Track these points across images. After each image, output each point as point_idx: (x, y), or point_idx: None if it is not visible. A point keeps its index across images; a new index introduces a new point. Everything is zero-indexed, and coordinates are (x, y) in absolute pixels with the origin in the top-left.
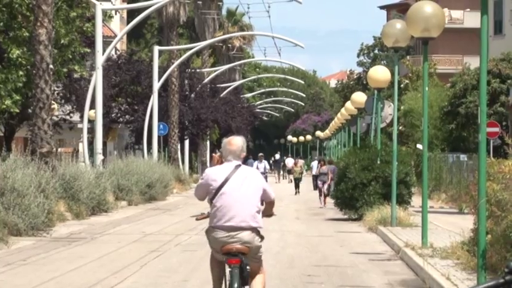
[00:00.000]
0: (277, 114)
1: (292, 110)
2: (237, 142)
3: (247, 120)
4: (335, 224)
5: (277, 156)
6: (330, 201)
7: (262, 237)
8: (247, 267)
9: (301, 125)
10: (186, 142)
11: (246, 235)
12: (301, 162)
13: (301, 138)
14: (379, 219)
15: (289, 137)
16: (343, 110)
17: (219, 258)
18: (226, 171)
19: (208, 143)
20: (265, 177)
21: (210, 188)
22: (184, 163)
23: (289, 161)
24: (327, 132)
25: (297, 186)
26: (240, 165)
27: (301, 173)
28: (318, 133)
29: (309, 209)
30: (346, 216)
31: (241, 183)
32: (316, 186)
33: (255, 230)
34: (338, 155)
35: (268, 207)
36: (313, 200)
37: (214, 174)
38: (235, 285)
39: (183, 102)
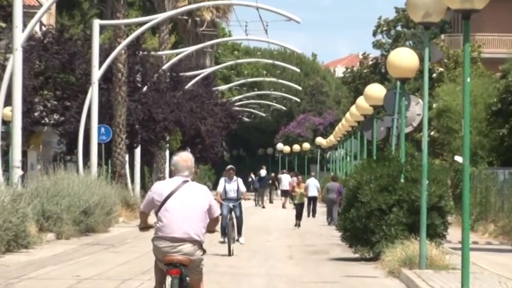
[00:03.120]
0: (263, 114)
1: (284, 108)
2: (190, 158)
3: (222, 122)
4: (342, 266)
5: (263, 172)
6: (335, 234)
7: (204, 251)
8: (187, 278)
9: (296, 130)
10: (137, 152)
11: (187, 247)
12: (309, 182)
13: (296, 147)
14: (403, 259)
15: (280, 146)
16: (353, 108)
17: (162, 267)
18: (173, 185)
19: (167, 153)
20: (240, 204)
21: (155, 200)
22: (135, 181)
23: (285, 179)
24: (332, 139)
25: (299, 216)
26: (187, 181)
27: (304, 196)
28: (319, 140)
29: (306, 245)
30: (357, 255)
31: (187, 198)
32: (312, 212)
33: (197, 243)
34: (347, 171)
35: (211, 223)
36: (312, 232)
37: (161, 187)
38: None
39: (133, 97)
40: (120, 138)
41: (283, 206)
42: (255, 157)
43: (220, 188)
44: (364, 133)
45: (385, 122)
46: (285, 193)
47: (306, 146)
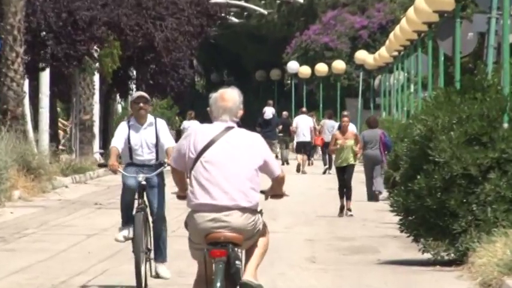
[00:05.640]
0: (264, 11)
1: (300, 0)
2: (232, 96)
3: (192, 26)
4: (402, 275)
5: (269, 111)
6: (389, 218)
7: (260, 212)
8: (237, 262)
9: (322, 38)
10: (45, 77)
11: (236, 218)
12: (352, 128)
13: (322, 67)
14: (506, 262)
15: (293, 65)
16: (421, 1)
17: (200, 248)
18: (213, 132)
19: (97, 78)
20: (161, 178)
21: (189, 152)
22: (40, 127)
23: (304, 123)
24: (383, 53)
25: (345, 187)
26: (232, 127)
27: (355, 155)
28: (362, 56)
29: (340, 239)
30: (428, 256)
31: (232, 150)
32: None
33: (248, 210)
34: (409, 109)
35: (275, 185)
36: (349, 215)
37: (197, 133)
38: (218, 284)
39: None
40: (14, 54)
41: (300, 170)
42: (249, 85)
43: (116, 141)
44: (440, 44)
45: (475, 25)
46: (303, 147)
47: (339, 65)
